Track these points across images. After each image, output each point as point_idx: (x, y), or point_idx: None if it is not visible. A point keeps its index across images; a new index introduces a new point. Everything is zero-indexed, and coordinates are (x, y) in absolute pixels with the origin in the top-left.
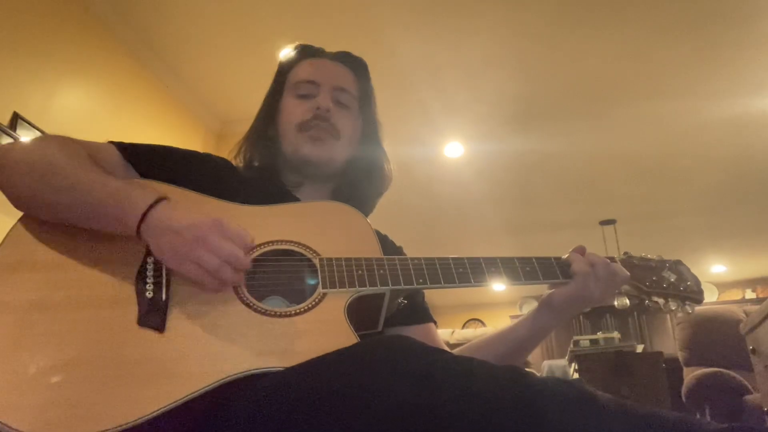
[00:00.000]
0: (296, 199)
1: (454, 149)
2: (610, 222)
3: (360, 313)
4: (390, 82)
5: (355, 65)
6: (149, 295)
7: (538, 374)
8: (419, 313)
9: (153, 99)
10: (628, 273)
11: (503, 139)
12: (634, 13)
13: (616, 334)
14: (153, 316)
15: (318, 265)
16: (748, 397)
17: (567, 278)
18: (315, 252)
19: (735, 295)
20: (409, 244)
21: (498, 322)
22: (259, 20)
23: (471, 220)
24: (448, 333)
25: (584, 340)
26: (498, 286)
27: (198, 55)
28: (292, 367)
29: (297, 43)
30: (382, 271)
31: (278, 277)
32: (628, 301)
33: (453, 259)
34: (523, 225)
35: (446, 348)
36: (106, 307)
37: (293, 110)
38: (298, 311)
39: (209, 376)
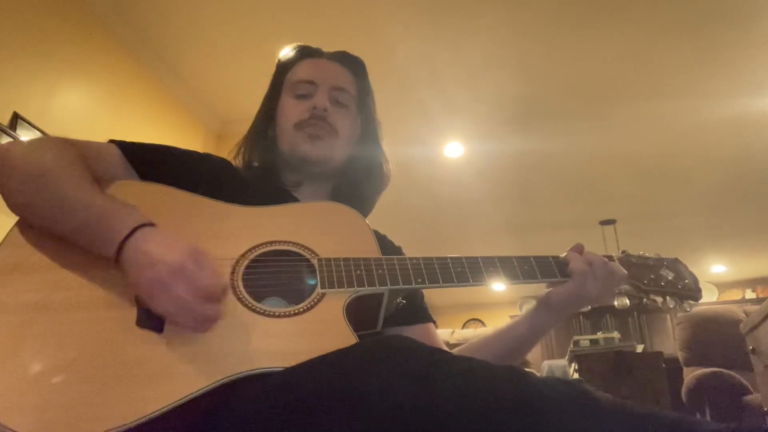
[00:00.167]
0: (295, 200)
1: (454, 149)
2: (610, 222)
3: (359, 313)
4: (390, 82)
5: (353, 65)
6: None
7: (538, 374)
8: (418, 312)
9: (153, 99)
10: (626, 271)
11: (503, 139)
12: (634, 14)
13: (616, 334)
14: (152, 316)
15: (316, 266)
16: (748, 397)
17: (565, 277)
18: (313, 252)
19: (735, 295)
20: (409, 244)
21: (498, 322)
22: (259, 20)
23: (471, 220)
24: (448, 333)
25: (584, 340)
26: (497, 285)
27: (198, 55)
28: (292, 368)
29: (295, 43)
30: (380, 271)
31: (277, 277)
32: (628, 301)
33: (451, 258)
34: (523, 225)
35: (446, 348)
36: (105, 308)
37: (291, 110)
38: (297, 311)
39: (209, 377)
